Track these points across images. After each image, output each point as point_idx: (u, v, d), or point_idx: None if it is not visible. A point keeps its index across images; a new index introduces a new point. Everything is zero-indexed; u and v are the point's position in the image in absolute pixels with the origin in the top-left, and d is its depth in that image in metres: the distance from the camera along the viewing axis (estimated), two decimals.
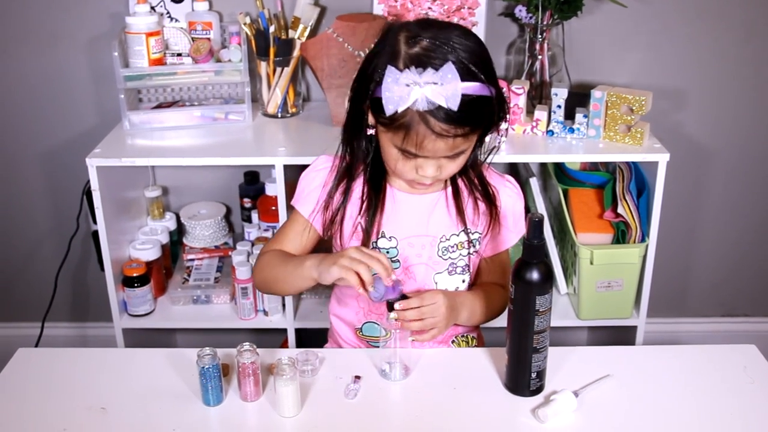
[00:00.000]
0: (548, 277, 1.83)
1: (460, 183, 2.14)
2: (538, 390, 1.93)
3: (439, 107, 1.81)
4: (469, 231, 2.15)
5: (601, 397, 1.92)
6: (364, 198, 2.12)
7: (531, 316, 1.84)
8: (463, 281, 2.21)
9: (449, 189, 2.14)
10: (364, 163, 2.11)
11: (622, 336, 3.04)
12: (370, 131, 2.00)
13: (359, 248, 1.95)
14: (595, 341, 3.53)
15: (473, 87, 1.84)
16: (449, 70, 1.80)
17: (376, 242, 2.13)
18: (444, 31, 1.89)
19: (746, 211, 3.41)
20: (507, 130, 2.04)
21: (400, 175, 2.02)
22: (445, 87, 1.80)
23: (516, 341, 1.89)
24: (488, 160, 2.13)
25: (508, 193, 2.19)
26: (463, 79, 1.82)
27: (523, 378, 1.91)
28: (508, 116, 2.03)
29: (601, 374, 1.98)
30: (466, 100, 1.82)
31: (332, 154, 2.17)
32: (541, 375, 1.92)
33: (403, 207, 2.13)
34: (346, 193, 2.13)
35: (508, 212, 2.18)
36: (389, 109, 1.85)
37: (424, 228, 2.13)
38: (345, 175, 2.13)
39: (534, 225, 1.79)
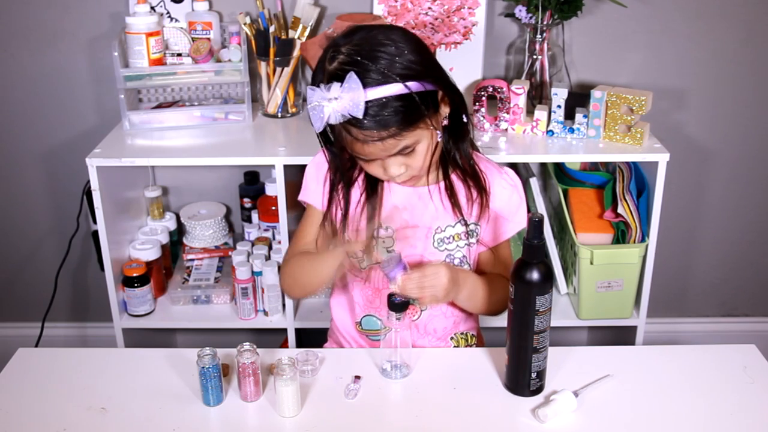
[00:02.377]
0: (548, 277, 1.83)
1: (453, 176, 2.15)
2: (538, 390, 1.93)
3: (353, 118, 1.86)
4: (466, 222, 2.16)
5: (601, 397, 1.92)
6: (362, 190, 2.16)
7: (531, 316, 1.84)
8: None
9: (443, 183, 2.15)
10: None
11: (622, 336, 3.04)
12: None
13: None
14: (595, 341, 3.53)
15: (383, 90, 1.87)
16: (351, 81, 1.85)
17: (377, 231, 2.14)
18: (367, 39, 1.93)
19: (746, 211, 3.41)
20: (469, 116, 2.11)
21: (375, 176, 2.06)
22: (348, 97, 1.85)
23: (516, 341, 1.89)
24: (473, 143, 2.18)
25: (503, 184, 2.19)
26: (371, 85, 1.86)
27: (523, 378, 1.91)
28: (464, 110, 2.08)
29: (601, 374, 1.98)
30: (379, 104, 1.87)
31: None
32: (541, 375, 1.92)
33: (397, 198, 2.15)
34: (348, 185, 2.16)
35: (503, 202, 2.19)
36: (316, 127, 1.94)
37: (418, 219, 2.14)
38: (342, 167, 2.16)
39: (534, 225, 1.79)
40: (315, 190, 2.22)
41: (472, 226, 2.17)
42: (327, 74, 1.90)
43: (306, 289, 2.29)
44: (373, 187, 2.14)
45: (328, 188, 2.18)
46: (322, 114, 1.88)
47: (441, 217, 2.15)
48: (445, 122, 2.04)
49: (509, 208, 2.20)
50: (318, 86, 1.89)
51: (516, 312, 1.86)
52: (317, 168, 2.23)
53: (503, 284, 2.17)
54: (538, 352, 1.88)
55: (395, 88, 1.88)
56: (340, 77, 1.86)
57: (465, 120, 2.08)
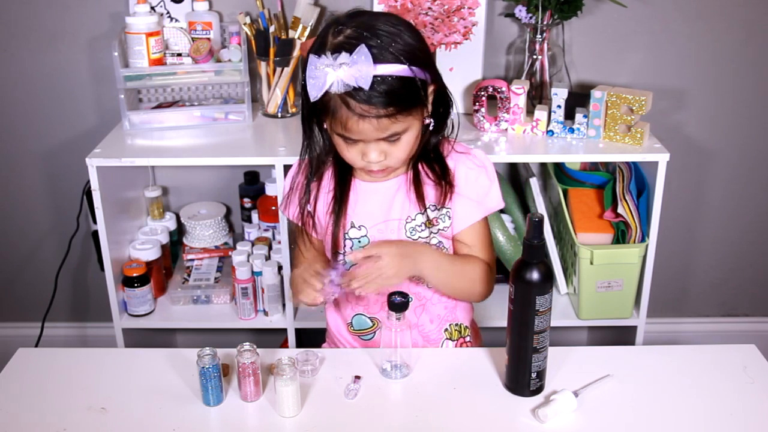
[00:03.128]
0: (548, 277, 1.83)
1: (420, 167, 2.15)
2: (538, 390, 1.94)
3: (358, 88, 1.87)
4: (428, 210, 2.14)
5: (601, 397, 1.92)
6: (330, 192, 2.17)
7: (531, 316, 1.84)
8: None
9: (410, 173, 2.15)
10: (328, 158, 2.17)
11: (622, 336, 3.04)
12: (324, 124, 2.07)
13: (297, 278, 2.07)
14: (595, 341, 3.52)
15: (391, 68, 1.90)
16: (362, 52, 1.86)
17: (347, 233, 2.16)
18: (372, 19, 1.97)
19: (746, 211, 3.41)
20: (456, 115, 2.15)
21: (351, 163, 2.07)
22: (356, 68, 1.86)
23: (516, 341, 1.89)
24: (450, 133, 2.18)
25: (469, 165, 2.17)
26: (380, 60, 1.88)
27: (523, 378, 1.92)
28: (452, 107, 2.12)
29: (601, 374, 1.98)
30: (385, 81, 1.89)
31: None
32: (541, 375, 1.92)
33: (367, 196, 2.16)
34: (318, 189, 2.18)
35: (471, 184, 2.17)
36: (312, 95, 1.92)
37: (389, 213, 2.14)
38: (312, 170, 2.18)
39: (534, 225, 1.79)
40: (290, 202, 2.25)
41: (436, 212, 2.15)
42: (332, 45, 1.90)
43: None
44: (342, 186, 2.16)
45: (300, 195, 2.21)
46: (323, 82, 1.89)
47: (409, 207, 2.15)
48: (427, 120, 2.07)
49: (477, 189, 2.17)
50: (321, 55, 1.89)
51: (516, 312, 1.86)
52: (289, 179, 2.27)
53: (475, 261, 2.20)
54: (538, 352, 1.88)
55: (401, 69, 1.91)
56: (348, 48, 1.87)
57: (450, 117, 2.12)
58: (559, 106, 2.78)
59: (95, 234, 2.94)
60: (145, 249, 2.99)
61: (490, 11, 2.98)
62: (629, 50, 3.13)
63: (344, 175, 2.17)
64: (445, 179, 2.14)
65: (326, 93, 1.91)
